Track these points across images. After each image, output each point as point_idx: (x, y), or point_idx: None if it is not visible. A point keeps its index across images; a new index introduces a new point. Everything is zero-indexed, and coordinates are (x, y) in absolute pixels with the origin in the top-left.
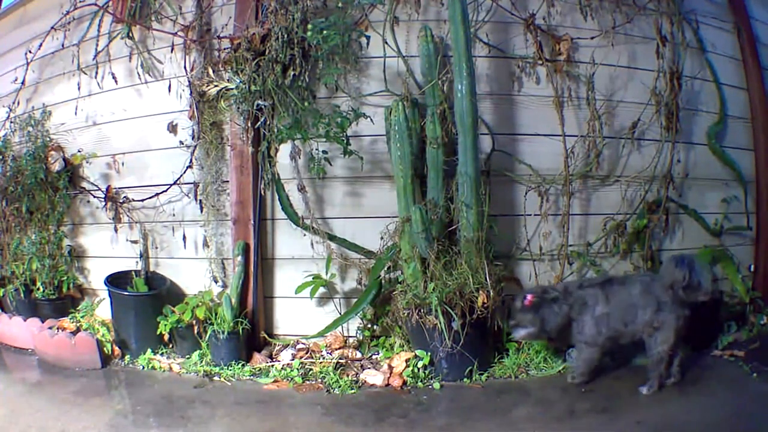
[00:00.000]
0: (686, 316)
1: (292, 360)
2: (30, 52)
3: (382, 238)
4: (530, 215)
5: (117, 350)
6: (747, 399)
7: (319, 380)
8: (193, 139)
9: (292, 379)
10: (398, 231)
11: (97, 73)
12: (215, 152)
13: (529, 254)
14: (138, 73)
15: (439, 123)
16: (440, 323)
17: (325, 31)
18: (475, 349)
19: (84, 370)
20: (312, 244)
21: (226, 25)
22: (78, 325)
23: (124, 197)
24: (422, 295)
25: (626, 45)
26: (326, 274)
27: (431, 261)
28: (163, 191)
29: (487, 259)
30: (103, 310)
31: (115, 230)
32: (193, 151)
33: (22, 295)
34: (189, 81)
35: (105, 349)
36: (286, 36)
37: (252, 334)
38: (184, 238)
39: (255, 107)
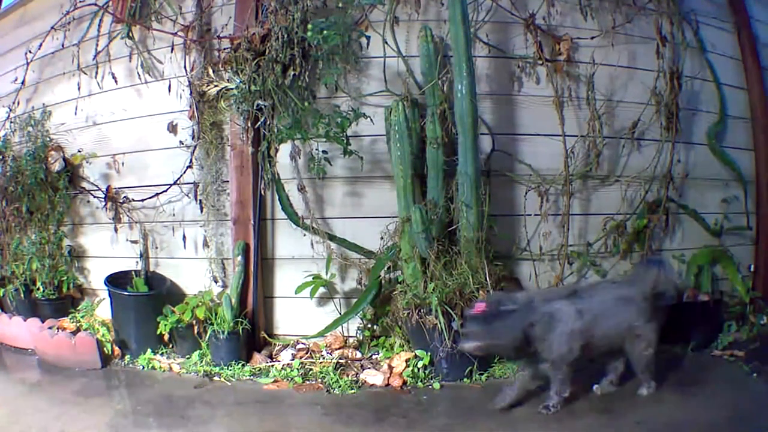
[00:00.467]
0: (662, 319)
1: (292, 360)
2: (30, 52)
3: (382, 238)
4: (530, 215)
5: (117, 350)
6: (747, 399)
7: (319, 380)
8: (193, 139)
9: (292, 379)
10: (398, 231)
11: (97, 73)
12: (215, 152)
13: (529, 254)
14: (138, 73)
15: (439, 123)
16: (440, 323)
17: (325, 31)
18: None
19: (84, 370)
20: (312, 244)
21: (226, 25)
22: (78, 325)
23: (124, 197)
24: (422, 295)
25: (626, 45)
26: (326, 274)
27: (431, 261)
28: (163, 191)
29: (487, 259)
30: (103, 310)
31: (115, 230)
32: (193, 151)
33: (22, 295)
34: (189, 81)
35: (105, 349)
36: (286, 36)
37: (252, 334)
38: (184, 238)
39: (255, 107)
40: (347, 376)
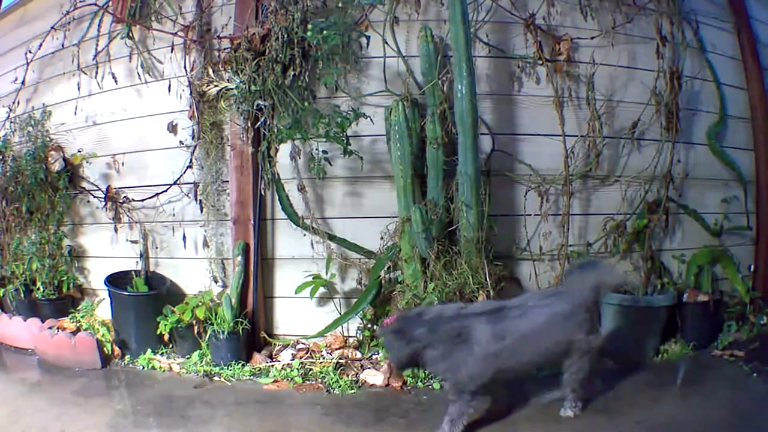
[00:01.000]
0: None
1: (292, 360)
2: (30, 52)
3: (382, 238)
4: (530, 215)
5: (117, 350)
6: (747, 399)
7: (319, 380)
8: (193, 139)
9: (292, 379)
10: (398, 231)
11: (97, 73)
12: (215, 152)
13: (529, 254)
14: (138, 73)
15: (439, 123)
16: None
17: (325, 31)
18: None
19: (84, 370)
20: (312, 244)
21: (226, 25)
22: (78, 325)
23: (124, 197)
24: (422, 295)
25: (626, 45)
26: (326, 274)
27: (431, 261)
28: (163, 191)
29: (487, 259)
30: (103, 310)
31: (115, 230)
32: (193, 151)
33: (22, 295)
34: (189, 81)
35: (105, 349)
36: (286, 36)
37: (252, 334)
38: (184, 238)
39: (255, 107)
40: (347, 376)
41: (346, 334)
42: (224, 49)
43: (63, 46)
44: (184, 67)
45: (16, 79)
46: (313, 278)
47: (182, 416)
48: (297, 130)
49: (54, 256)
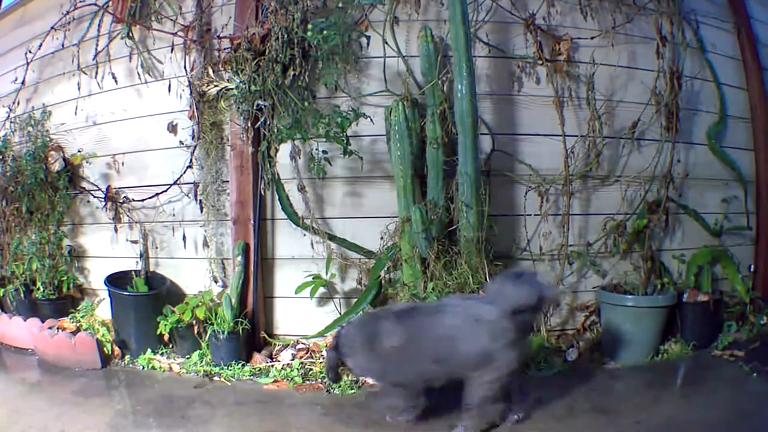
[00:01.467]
0: (522, 343)
1: (292, 360)
2: (30, 52)
3: (382, 238)
4: (530, 215)
5: (117, 350)
6: (747, 399)
7: (319, 380)
8: (193, 139)
9: (292, 379)
10: (398, 231)
11: (97, 73)
12: (215, 152)
13: (529, 254)
14: (138, 73)
15: (439, 123)
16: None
17: (325, 31)
18: None
19: (84, 370)
20: (312, 244)
21: (226, 25)
22: (78, 325)
23: (124, 197)
24: (422, 295)
25: (626, 45)
26: (326, 274)
27: (431, 261)
28: (163, 191)
29: (487, 259)
30: (103, 310)
31: (115, 230)
32: (193, 151)
33: (22, 295)
34: (189, 81)
35: (105, 349)
36: (286, 36)
37: (252, 334)
38: (184, 238)
39: (255, 107)
40: (347, 376)
41: None
42: (224, 49)
43: (63, 46)
44: (184, 67)
45: (16, 79)
46: (313, 278)
47: (182, 416)
48: (297, 130)
49: (54, 256)
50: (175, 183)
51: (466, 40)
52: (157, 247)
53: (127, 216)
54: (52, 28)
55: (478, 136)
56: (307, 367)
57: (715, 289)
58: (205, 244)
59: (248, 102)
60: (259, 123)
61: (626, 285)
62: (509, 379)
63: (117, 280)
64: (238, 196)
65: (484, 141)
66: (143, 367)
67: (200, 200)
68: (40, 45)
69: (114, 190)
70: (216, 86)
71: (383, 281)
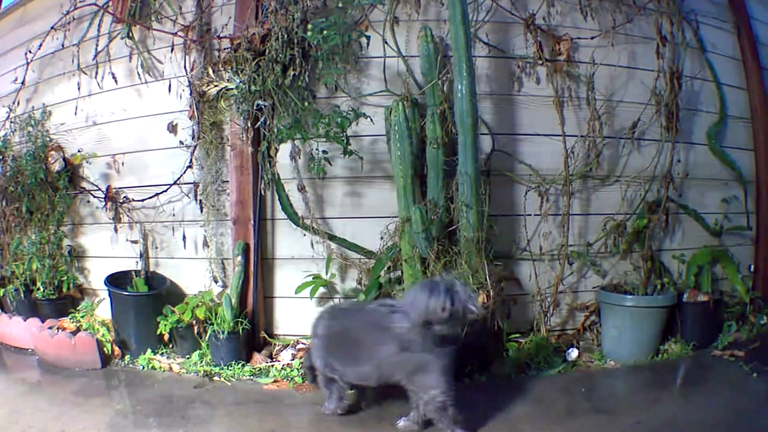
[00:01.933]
0: (453, 353)
1: (292, 360)
2: (30, 52)
3: (382, 238)
4: (530, 215)
5: (117, 350)
6: (747, 399)
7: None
8: (193, 139)
9: (292, 379)
10: (398, 231)
11: (97, 73)
12: (215, 152)
13: (529, 254)
14: (138, 73)
15: (439, 123)
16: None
17: (325, 31)
18: (475, 348)
19: (84, 370)
20: (312, 244)
21: (226, 25)
22: (78, 325)
23: (124, 197)
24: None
25: (626, 45)
26: (326, 274)
27: (431, 261)
28: (163, 191)
29: (487, 259)
30: (103, 310)
31: (115, 230)
32: (193, 151)
33: (22, 295)
34: (189, 81)
35: (105, 349)
36: (286, 36)
37: (252, 334)
38: (184, 238)
39: (255, 107)
40: None
41: None
42: (224, 49)
43: (63, 46)
44: (184, 67)
45: (16, 79)
46: (313, 278)
47: (182, 416)
48: (297, 130)
49: (54, 256)
50: (175, 183)
51: (466, 40)
52: (157, 247)
53: (127, 216)
54: (52, 28)
55: (478, 136)
56: None
57: (715, 289)
58: (205, 244)
59: (248, 102)
60: (259, 123)
61: (626, 285)
62: (450, 386)
63: (117, 280)
64: (238, 196)
65: (484, 141)
66: (143, 367)
67: (200, 200)
68: (40, 45)
69: (114, 190)
70: (216, 86)
71: (383, 281)
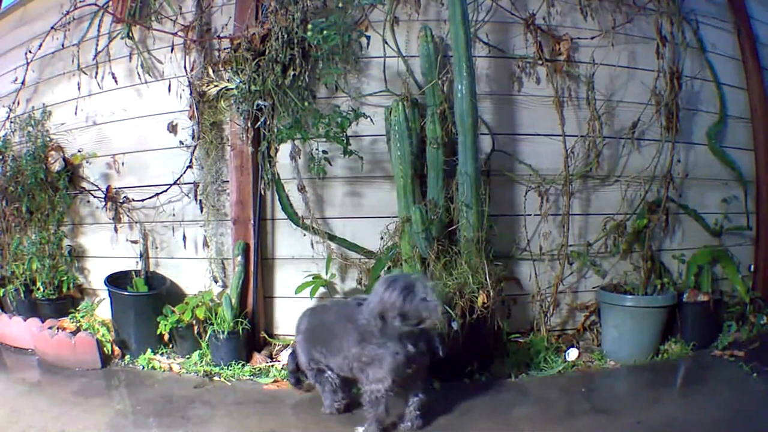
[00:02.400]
0: (409, 350)
1: None
2: (30, 52)
3: (382, 238)
4: (530, 215)
5: (117, 350)
6: (747, 399)
7: None
8: (193, 139)
9: None
10: (398, 231)
11: (97, 73)
12: (215, 152)
13: (529, 254)
14: (138, 73)
15: (439, 123)
16: (441, 323)
17: (325, 31)
18: (475, 349)
19: (84, 370)
20: (312, 244)
21: (226, 25)
22: (78, 325)
23: (124, 197)
24: None
25: (626, 45)
26: (326, 274)
27: (431, 261)
28: (163, 191)
29: (487, 259)
30: (103, 310)
31: (115, 230)
32: (193, 151)
33: (22, 295)
34: (189, 81)
35: (105, 349)
36: (286, 36)
37: (252, 334)
38: (184, 238)
39: (255, 107)
40: None
41: None
42: (224, 49)
43: (63, 46)
44: (184, 67)
45: (16, 79)
46: (313, 278)
47: (182, 416)
48: (297, 130)
49: (54, 256)
50: (175, 183)
51: (466, 40)
52: (157, 247)
53: (127, 216)
54: (52, 28)
55: (478, 136)
56: None
57: (715, 289)
58: (205, 244)
59: (248, 102)
60: (259, 123)
61: (626, 285)
62: (392, 385)
63: (117, 280)
64: (238, 196)
65: (484, 141)
66: (143, 367)
67: (200, 200)
68: (40, 45)
69: (114, 190)
70: (216, 86)
71: None
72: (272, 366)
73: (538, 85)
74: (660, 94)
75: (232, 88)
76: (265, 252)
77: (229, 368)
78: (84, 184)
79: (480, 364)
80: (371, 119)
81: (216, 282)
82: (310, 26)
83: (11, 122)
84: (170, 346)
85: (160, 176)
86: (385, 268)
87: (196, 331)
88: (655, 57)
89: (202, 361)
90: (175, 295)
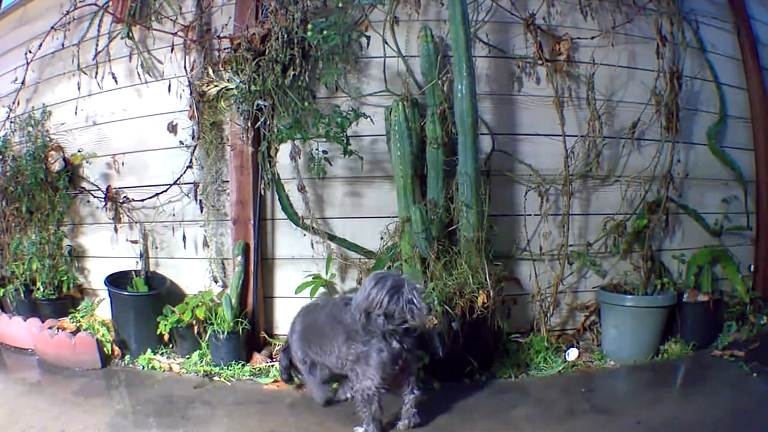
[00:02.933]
0: (394, 347)
1: None
2: (30, 52)
3: (382, 238)
4: (530, 215)
5: (117, 350)
6: (747, 399)
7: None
8: (193, 139)
9: None
10: (398, 231)
11: (97, 73)
12: (215, 152)
13: (529, 254)
14: (138, 73)
15: (439, 123)
16: (440, 323)
17: (325, 31)
18: (475, 348)
19: (84, 370)
20: (312, 244)
21: (226, 25)
22: (78, 325)
23: (124, 197)
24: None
25: (626, 45)
26: (326, 274)
27: (431, 261)
28: (163, 191)
29: (487, 259)
30: (103, 310)
31: (115, 230)
32: (193, 151)
33: (22, 295)
34: (189, 81)
35: (105, 349)
36: (286, 36)
37: (252, 334)
38: (184, 238)
39: (255, 107)
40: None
41: None
42: (224, 49)
43: (63, 46)
44: (184, 67)
45: (16, 79)
46: (313, 278)
47: (182, 416)
48: (297, 130)
49: (54, 256)
50: (175, 183)
51: (466, 40)
52: (157, 247)
53: (127, 216)
54: (52, 28)
55: (478, 136)
56: None
57: (715, 289)
58: (205, 244)
59: (248, 102)
60: (259, 123)
61: (626, 285)
62: (383, 382)
63: (117, 280)
64: (238, 196)
65: (484, 141)
66: (143, 367)
67: (200, 200)
68: (40, 45)
69: (114, 190)
70: (216, 86)
71: None
72: (272, 366)
73: (538, 85)
74: (660, 94)
75: (232, 88)
76: (265, 252)
77: (229, 368)
78: (84, 184)
79: (480, 364)
80: (371, 119)
81: (216, 282)
82: (310, 26)
83: (11, 122)
84: (170, 346)
85: (160, 176)
86: (385, 268)
87: (196, 331)
88: (655, 57)
89: (202, 361)
90: (175, 295)
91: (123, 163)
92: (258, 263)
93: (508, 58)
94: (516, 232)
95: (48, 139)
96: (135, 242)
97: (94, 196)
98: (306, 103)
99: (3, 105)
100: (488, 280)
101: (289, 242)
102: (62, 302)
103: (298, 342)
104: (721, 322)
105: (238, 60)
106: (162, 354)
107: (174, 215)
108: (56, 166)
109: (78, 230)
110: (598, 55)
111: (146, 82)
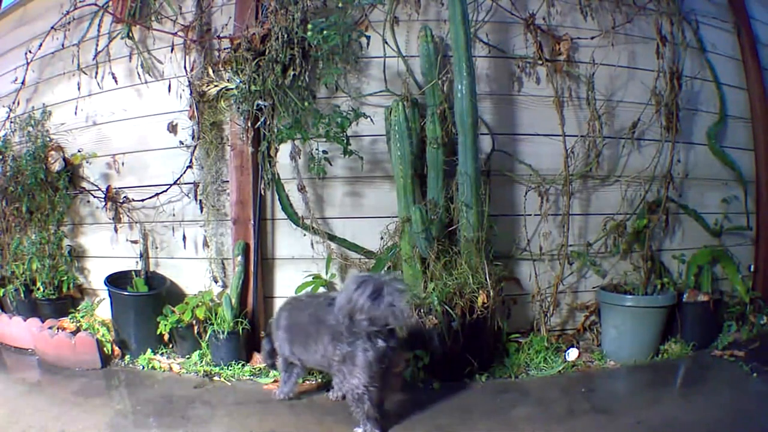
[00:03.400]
0: (379, 347)
1: None
2: (30, 52)
3: (382, 238)
4: (530, 215)
5: (117, 350)
6: (747, 399)
7: (319, 380)
8: (193, 139)
9: None
10: (398, 231)
11: (97, 73)
12: (215, 152)
13: (529, 254)
14: (138, 73)
15: (439, 123)
16: (440, 323)
17: (325, 31)
18: (475, 348)
19: (84, 370)
20: (312, 244)
21: (226, 25)
22: (78, 325)
23: (124, 197)
24: (422, 295)
25: (626, 45)
26: (326, 274)
27: (431, 261)
28: (163, 191)
29: (487, 259)
30: (103, 310)
31: (115, 230)
32: (193, 151)
33: (22, 295)
34: (189, 81)
35: (105, 349)
36: (286, 36)
37: (252, 334)
38: (184, 238)
39: (255, 107)
40: None
41: None
42: (224, 49)
43: (63, 46)
44: (184, 67)
45: (16, 79)
46: (313, 278)
47: (182, 416)
48: (297, 130)
49: (54, 256)
50: (175, 183)
51: (466, 40)
52: (157, 247)
53: (127, 216)
54: (52, 28)
55: (478, 136)
56: None
57: (715, 289)
58: (205, 244)
59: (248, 102)
60: (259, 123)
61: (626, 285)
62: (371, 380)
63: (117, 280)
64: (238, 196)
65: (484, 141)
66: (143, 367)
67: (200, 200)
68: (40, 45)
69: (114, 190)
70: (216, 86)
71: None
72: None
73: (538, 85)
74: (660, 94)
75: (232, 88)
76: (265, 252)
77: (229, 368)
78: (84, 184)
79: (480, 364)
80: (371, 119)
81: (216, 282)
82: (310, 26)
83: (11, 122)
84: (170, 346)
85: (160, 176)
86: (385, 268)
87: (196, 331)
88: (655, 57)
89: (202, 361)
90: (175, 295)
91: (123, 163)
92: (258, 263)
93: (508, 58)
94: (516, 232)
95: (48, 139)
96: (135, 242)
97: (94, 196)
98: (306, 103)
99: (3, 105)
100: (488, 280)
101: (289, 242)
102: (62, 302)
103: (282, 338)
104: (721, 322)
105: (238, 60)
106: (162, 354)
107: (174, 215)
108: (56, 166)
109: (78, 230)
110: (598, 55)
111: (146, 82)
